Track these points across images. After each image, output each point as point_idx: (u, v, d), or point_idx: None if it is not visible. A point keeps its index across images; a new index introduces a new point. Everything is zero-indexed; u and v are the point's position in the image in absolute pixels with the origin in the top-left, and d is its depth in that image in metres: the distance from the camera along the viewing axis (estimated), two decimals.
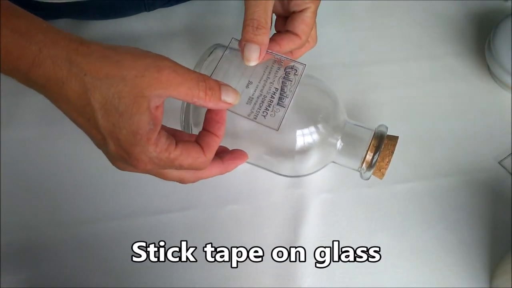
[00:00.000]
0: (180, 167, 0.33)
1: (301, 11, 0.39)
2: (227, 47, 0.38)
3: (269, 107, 0.37)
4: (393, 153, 0.40)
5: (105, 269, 0.44)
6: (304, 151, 0.39)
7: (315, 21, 0.40)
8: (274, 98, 0.37)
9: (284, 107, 0.37)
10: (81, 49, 0.30)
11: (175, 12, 0.55)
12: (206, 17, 0.55)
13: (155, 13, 0.55)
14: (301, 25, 0.39)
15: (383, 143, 0.40)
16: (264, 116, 0.37)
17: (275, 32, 0.43)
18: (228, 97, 0.33)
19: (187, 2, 0.56)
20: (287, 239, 0.45)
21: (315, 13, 0.39)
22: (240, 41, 0.37)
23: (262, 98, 0.37)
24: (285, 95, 0.37)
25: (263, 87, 0.37)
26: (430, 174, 0.48)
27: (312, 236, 0.45)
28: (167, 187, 0.47)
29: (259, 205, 0.47)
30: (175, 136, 0.34)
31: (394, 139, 0.41)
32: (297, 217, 0.46)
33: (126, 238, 0.45)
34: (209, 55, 0.40)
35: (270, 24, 0.36)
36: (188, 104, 0.40)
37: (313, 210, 0.46)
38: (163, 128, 0.33)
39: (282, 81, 0.37)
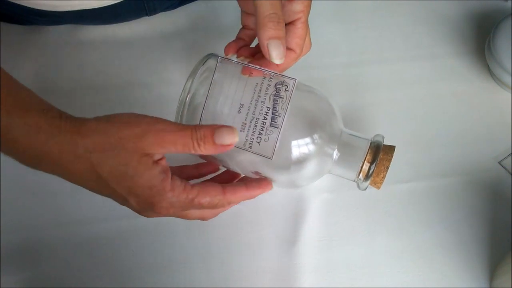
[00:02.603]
0: (200, 206, 0.35)
1: (291, 22, 0.38)
2: (214, 71, 0.37)
3: (262, 130, 0.37)
4: (388, 168, 0.39)
5: (105, 269, 0.44)
6: (300, 161, 0.39)
7: (308, 29, 0.40)
8: (266, 119, 0.37)
9: (277, 128, 0.36)
10: (83, 130, 0.32)
11: (175, 15, 0.55)
12: (206, 19, 0.55)
13: (155, 16, 0.55)
14: (294, 39, 0.38)
15: (379, 154, 0.39)
16: (259, 142, 0.37)
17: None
18: (224, 139, 0.34)
19: (187, 5, 0.56)
20: (287, 239, 0.45)
21: (306, 23, 0.39)
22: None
23: (255, 121, 0.37)
24: (277, 114, 0.36)
25: (255, 107, 0.37)
26: (430, 174, 0.48)
27: (312, 236, 0.45)
28: None
29: (259, 205, 0.47)
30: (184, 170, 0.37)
31: (390, 151, 0.40)
32: (297, 217, 0.46)
33: (126, 238, 0.45)
34: (203, 64, 0.39)
35: None
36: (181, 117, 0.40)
37: (313, 210, 0.46)
38: (174, 172, 0.35)
39: (274, 99, 0.37)
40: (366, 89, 0.52)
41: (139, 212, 0.35)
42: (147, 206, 0.34)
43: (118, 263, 0.44)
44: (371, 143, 0.40)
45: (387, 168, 0.39)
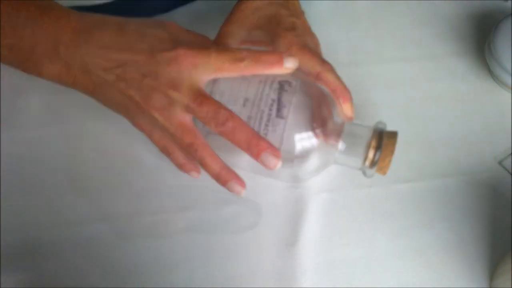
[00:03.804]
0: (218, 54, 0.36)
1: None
2: None
3: (269, 121, 0.37)
4: (393, 152, 0.40)
5: (105, 269, 0.44)
6: (305, 154, 0.39)
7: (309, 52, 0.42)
8: (272, 110, 0.37)
9: (284, 118, 0.37)
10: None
11: (175, 16, 0.55)
12: (206, 19, 0.55)
13: (154, 17, 0.55)
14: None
15: (383, 140, 0.40)
16: (265, 134, 0.37)
17: None
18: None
19: (187, 5, 0.56)
20: (287, 239, 0.45)
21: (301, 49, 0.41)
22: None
23: (261, 113, 0.37)
24: (282, 105, 0.37)
25: (260, 100, 0.37)
26: (430, 174, 0.48)
27: (312, 236, 0.45)
28: (167, 187, 0.47)
29: (259, 205, 0.47)
30: None
31: (393, 136, 0.40)
32: (297, 217, 0.46)
33: (126, 238, 0.45)
34: None
35: None
36: None
37: (313, 210, 0.46)
38: None
39: (278, 92, 0.37)
40: (366, 89, 0.52)
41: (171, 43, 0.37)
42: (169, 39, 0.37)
43: (118, 263, 0.44)
44: (374, 130, 0.40)
45: (393, 152, 0.40)
